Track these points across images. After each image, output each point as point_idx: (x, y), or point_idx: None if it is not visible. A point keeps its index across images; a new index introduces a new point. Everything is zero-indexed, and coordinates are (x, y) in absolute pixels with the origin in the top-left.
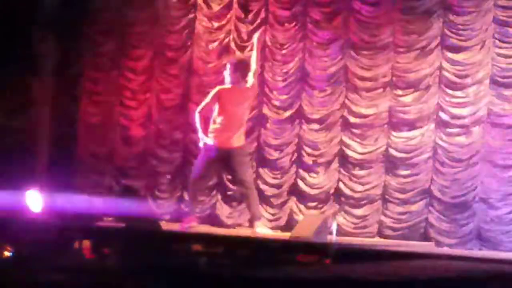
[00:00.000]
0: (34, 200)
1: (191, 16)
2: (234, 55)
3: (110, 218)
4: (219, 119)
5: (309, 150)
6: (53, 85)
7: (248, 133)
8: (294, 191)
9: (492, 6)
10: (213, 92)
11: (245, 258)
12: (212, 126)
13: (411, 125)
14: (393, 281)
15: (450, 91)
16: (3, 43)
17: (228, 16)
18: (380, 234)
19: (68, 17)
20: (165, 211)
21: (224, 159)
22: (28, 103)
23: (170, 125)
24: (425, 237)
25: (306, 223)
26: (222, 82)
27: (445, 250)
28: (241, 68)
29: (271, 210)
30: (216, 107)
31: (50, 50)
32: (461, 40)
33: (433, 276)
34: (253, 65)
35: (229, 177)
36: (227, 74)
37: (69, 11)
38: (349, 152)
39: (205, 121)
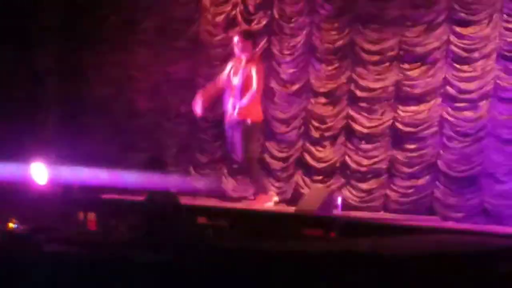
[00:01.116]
0: (39, 172)
1: None
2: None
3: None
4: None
5: (316, 123)
6: (59, 56)
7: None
8: (301, 164)
9: None
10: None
11: (250, 232)
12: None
13: (418, 99)
14: (399, 255)
15: (457, 65)
16: (7, 12)
17: None
18: (386, 208)
19: None
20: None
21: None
22: (34, 73)
23: (177, 98)
24: (431, 212)
25: (312, 196)
26: (229, 55)
27: (451, 224)
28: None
29: (277, 184)
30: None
31: (56, 22)
32: (468, 14)
33: (439, 250)
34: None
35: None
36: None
37: None
38: (355, 126)
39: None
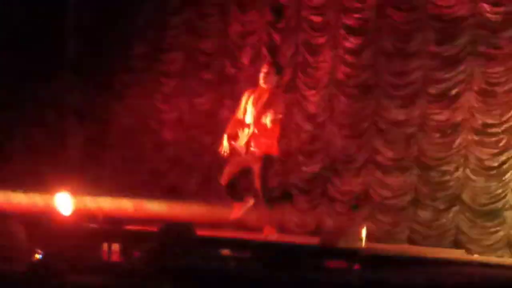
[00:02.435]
0: (64, 203)
1: (224, 20)
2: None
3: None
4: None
5: (340, 155)
6: (85, 88)
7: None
8: (325, 196)
9: None
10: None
11: (274, 263)
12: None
13: (442, 132)
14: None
15: (481, 98)
16: (31, 46)
17: (261, 21)
18: (411, 240)
19: (102, 19)
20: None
21: None
22: (60, 106)
23: (202, 129)
24: (455, 244)
25: (336, 228)
26: (254, 86)
27: (476, 257)
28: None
29: (302, 215)
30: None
31: (83, 53)
32: (492, 48)
33: (464, 283)
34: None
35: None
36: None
37: (103, 13)
38: (379, 158)
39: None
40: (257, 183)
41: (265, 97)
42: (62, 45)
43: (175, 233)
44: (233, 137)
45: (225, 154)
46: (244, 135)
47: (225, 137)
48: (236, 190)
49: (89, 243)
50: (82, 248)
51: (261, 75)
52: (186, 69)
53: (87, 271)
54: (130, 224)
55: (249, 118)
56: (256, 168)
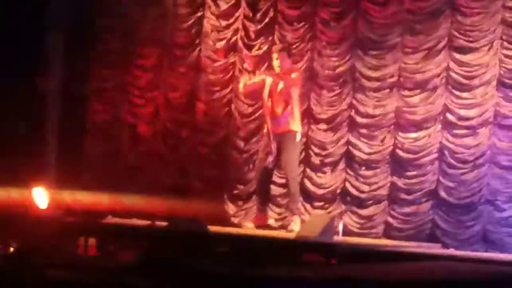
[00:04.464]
0: (40, 197)
1: (199, 14)
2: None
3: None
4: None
5: (316, 150)
6: (61, 82)
7: (255, 132)
8: (301, 190)
9: (500, 7)
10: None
11: (250, 257)
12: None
13: (418, 126)
14: (399, 282)
15: (457, 92)
16: (9, 41)
17: (236, 14)
18: (386, 235)
19: (75, 14)
20: None
21: None
22: (35, 100)
23: (177, 123)
24: (431, 239)
25: (312, 222)
26: (229, 80)
27: (451, 251)
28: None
29: (278, 210)
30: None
31: (57, 47)
32: (468, 41)
33: (439, 277)
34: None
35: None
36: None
37: (77, 8)
38: (356, 152)
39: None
40: (286, 167)
41: (284, 79)
42: (39, 38)
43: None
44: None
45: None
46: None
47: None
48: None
49: (65, 237)
50: (58, 242)
51: (275, 63)
52: (161, 63)
53: (63, 265)
54: (107, 218)
55: (276, 102)
56: (284, 149)
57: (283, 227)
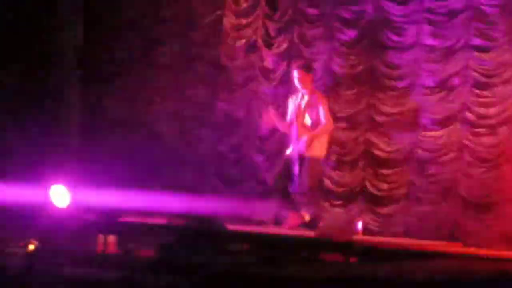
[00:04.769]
0: (60, 195)
1: (219, 12)
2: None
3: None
4: None
5: (336, 148)
6: (81, 81)
7: (275, 131)
8: (321, 189)
9: None
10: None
11: (270, 256)
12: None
13: (438, 124)
14: (419, 280)
15: (477, 91)
16: (32, 40)
17: (256, 13)
18: (407, 233)
19: (96, 11)
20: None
21: None
22: (55, 99)
23: (196, 121)
24: (452, 237)
25: (332, 221)
26: (248, 79)
27: (472, 250)
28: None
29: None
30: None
31: (77, 47)
32: (488, 40)
33: (460, 276)
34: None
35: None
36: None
37: (98, 4)
38: (375, 151)
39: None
40: (303, 182)
41: (306, 100)
42: (55, 37)
43: (204, 227)
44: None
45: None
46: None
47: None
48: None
49: (85, 235)
50: (78, 240)
51: (296, 81)
52: (180, 60)
53: (83, 263)
54: (127, 216)
55: (297, 122)
56: (304, 167)
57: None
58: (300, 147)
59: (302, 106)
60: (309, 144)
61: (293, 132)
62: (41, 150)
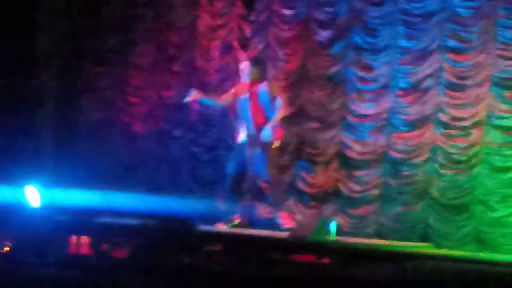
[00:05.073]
0: (33, 195)
1: (194, 13)
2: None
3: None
4: None
5: (309, 149)
6: (55, 80)
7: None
8: (293, 190)
9: (493, 8)
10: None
11: (242, 257)
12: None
13: (411, 126)
14: (392, 281)
15: (450, 92)
16: (4, 40)
17: (231, 14)
18: (379, 234)
19: (71, 13)
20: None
21: None
22: (29, 98)
23: (172, 122)
24: (424, 239)
25: (305, 222)
26: (224, 80)
27: (444, 251)
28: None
29: (270, 209)
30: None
31: (53, 47)
32: (462, 42)
33: (432, 277)
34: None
35: None
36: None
37: (73, 6)
38: (348, 152)
39: None
40: (263, 173)
41: (255, 89)
42: (34, 37)
43: (174, 227)
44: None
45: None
46: (248, 128)
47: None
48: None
49: (58, 236)
50: (51, 240)
51: (242, 73)
52: (156, 61)
53: (56, 264)
54: (100, 216)
55: (249, 112)
56: (263, 155)
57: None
58: (263, 134)
59: (255, 96)
60: (272, 130)
61: (246, 120)
62: (13, 151)
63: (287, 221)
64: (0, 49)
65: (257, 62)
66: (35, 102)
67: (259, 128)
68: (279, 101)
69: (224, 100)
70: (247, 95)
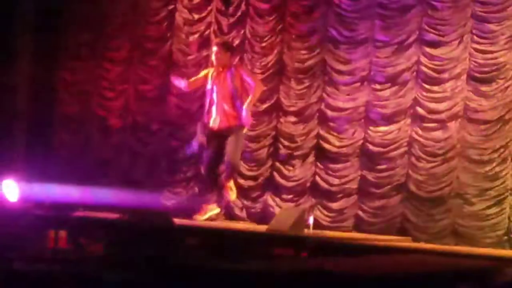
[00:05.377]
0: (10, 189)
1: (171, 7)
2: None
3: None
4: None
5: (286, 142)
6: (30, 74)
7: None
8: (270, 183)
9: (470, 1)
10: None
11: (220, 250)
12: None
13: (388, 120)
14: (370, 275)
15: (427, 86)
16: None
17: (209, 8)
18: (357, 228)
19: (46, 7)
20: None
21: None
22: (4, 92)
23: (148, 116)
24: (402, 232)
25: (283, 216)
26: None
27: (421, 244)
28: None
29: (247, 203)
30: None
31: (28, 40)
32: (439, 35)
33: (409, 270)
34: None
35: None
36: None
37: (47, 1)
38: (326, 145)
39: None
40: (231, 156)
41: (225, 74)
42: (9, 30)
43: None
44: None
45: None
46: (214, 113)
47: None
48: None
49: (35, 230)
50: (28, 234)
51: (213, 56)
52: (133, 56)
53: (33, 258)
54: (77, 211)
55: (216, 96)
56: (230, 140)
57: (251, 220)
58: (241, 117)
59: (228, 80)
60: (246, 113)
61: (215, 104)
62: None
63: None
64: None
65: (228, 47)
66: (10, 95)
67: (227, 112)
68: (252, 83)
69: (194, 84)
70: (215, 79)
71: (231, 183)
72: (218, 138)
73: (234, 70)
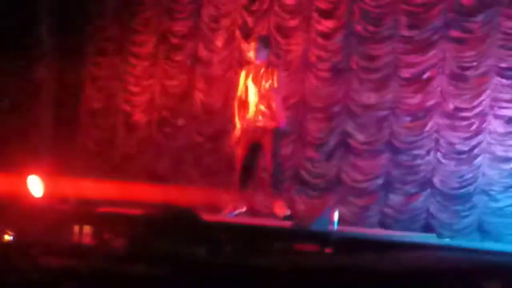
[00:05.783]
0: (35, 185)
1: (197, 3)
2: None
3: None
4: None
5: (311, 139)
6: (56, 70)
7: None
8: (296, 180)
9: None
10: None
11: (244, 247)
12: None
13: (414, 116)
14: (394, 271)
15: (453, 82)
16: (5, 29)
17: (234, 4)
18: (382, 224)
19: (72, 2)
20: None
21: None
22: (31, 88)
23: (174, 112)
24: (426, 228)
25: (308, 212)
26: (227, 69)
27: (447, 241)
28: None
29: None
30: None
31: (54, 36)
32: (465, 32)
33: (435, 267)
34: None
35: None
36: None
37: None
38: (351, 142)
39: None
40: (268, 159)
41: (262, 71)
42: (33, 28)
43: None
44: (241, 118)
45: (238, 137)
46: (250, 113)
47: (236, 120)
48: (250, 177)
49: (60, 226)
50: (53, 230)
51: (251, 52)
52: (158, 51)
53: (58, 253)
54: (102, 206)
55: (252, 95)
56: (266, 142)
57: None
58: (264, 120)
59: (263, 78)
60: (278, 114)
61: (249, 103)
62: (16, 140)
63: (282, 210)
64: None
65: (267, 42)
66: (36, 91)
67: (263, 112)
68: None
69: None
70: (254, 78)
71: (282, 203)
72: (251, 138)
73: (271, 68)
